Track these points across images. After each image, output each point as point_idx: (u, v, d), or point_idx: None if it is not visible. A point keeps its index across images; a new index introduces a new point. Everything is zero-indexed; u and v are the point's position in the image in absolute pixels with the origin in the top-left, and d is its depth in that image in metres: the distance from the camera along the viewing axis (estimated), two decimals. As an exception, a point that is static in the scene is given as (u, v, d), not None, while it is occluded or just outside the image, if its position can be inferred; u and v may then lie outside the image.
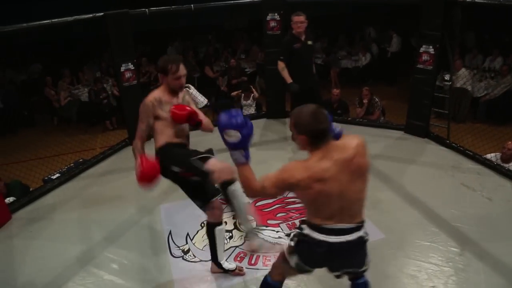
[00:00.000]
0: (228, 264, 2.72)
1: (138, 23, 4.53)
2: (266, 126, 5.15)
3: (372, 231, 3.00)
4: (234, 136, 1.77)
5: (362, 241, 1.89)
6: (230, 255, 2.90)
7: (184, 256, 2.92)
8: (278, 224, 3.19)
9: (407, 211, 3.30)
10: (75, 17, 4.10)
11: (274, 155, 4.31)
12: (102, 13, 4.30)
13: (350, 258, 1.93)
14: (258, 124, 5.18)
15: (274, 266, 2.12)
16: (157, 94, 2.45)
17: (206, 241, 3.01)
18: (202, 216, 3.30)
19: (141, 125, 2.44)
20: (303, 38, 4.18)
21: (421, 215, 3.23)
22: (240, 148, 1.79)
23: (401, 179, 3.78)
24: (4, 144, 6.79)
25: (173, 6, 4.91)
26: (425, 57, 4.32)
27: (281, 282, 2.13)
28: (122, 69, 4.48)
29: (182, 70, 2.41)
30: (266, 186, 1.77)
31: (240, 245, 3.00)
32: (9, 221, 3.50)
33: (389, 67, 8.92)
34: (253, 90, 6.31)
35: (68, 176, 4.16)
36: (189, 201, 3.48)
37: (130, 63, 4.54)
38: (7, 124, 7.43)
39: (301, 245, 1.89)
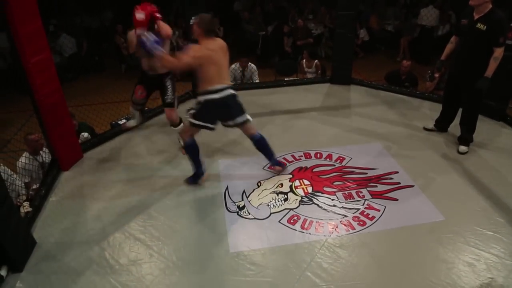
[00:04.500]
0: None
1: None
2: (329, 92, 5.04)
3: (431, 212, 2.96)
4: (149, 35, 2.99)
5: (234, 96, 3.01)
6: (284, 216, 2.97)
7: (239, 212, 3.02)
8: (334, 192, 3.18)
9: (471, 197, 3.14)
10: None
11: (337, 122, 4.24)
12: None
13: (229, 109, 3.01)
14: (321, 89, 5.08)
15: (183, 131, 3.22)
16: None
17: (261, 200, 3.11)
18: (259, 176, 3.41)
19: None
20: (475, 15, 3.35)
21: (486, 202, 3.06)
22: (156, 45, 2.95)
23: (469, 162, 3.58)
24: (76, 87, 7.22)
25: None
26: (516, 31, 3.91)
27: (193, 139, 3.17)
28: (192, 21, 4.49)
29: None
30: (182, 57, 2.86)
31: (294, 208, 3.04)
32: (81, 159, 3.78)
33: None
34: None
35: (134, 123, 4.36)
36: (247, 160, 3.63)
37: (200, 17, 4.55)
38: (79, 68, 7.87)
39: (198, 111, 2.99)
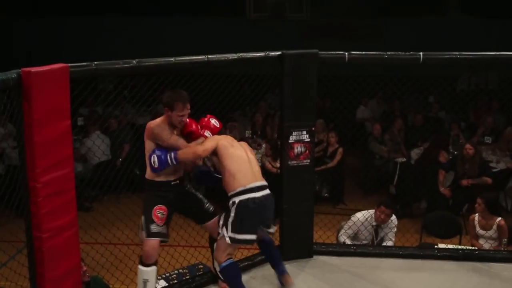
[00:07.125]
0: None
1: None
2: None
3: None
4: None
5: (272, 197, 3.97)
6: None
7: None
8: None
9: None
10: (240, 54, 4.50)
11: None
12: (278, 52, 4.59)
13: (270, 211, 3.95)
14: (509, 273, 4.74)
15: (219, 251, 4.00)
16: (159, 123, 4.12)
17: None
18: None
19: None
20: None
21: None
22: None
23: None
24: (96, 213, 7.56)
25: (388, 52, 4.90)
26: None
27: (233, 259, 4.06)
28: (292, 139, 4.63)
29: (187, 110, 4.02)
30: (204, 144, 3.99)
31: None
32: None
33: None
34: None
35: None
36: None
37: (305, 131, 4.69)
38: (108, 184, 8.41)
39: (236, 216, 3.79)
